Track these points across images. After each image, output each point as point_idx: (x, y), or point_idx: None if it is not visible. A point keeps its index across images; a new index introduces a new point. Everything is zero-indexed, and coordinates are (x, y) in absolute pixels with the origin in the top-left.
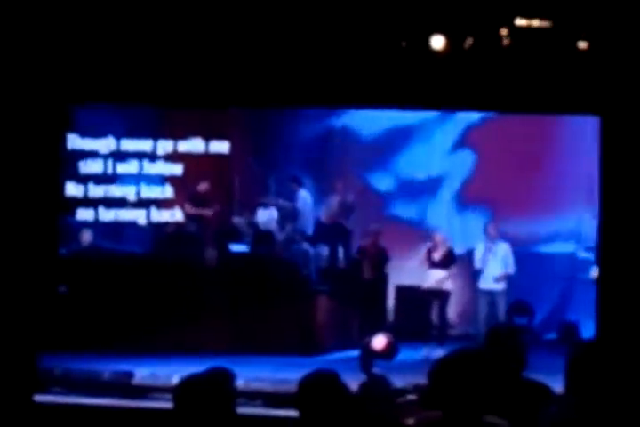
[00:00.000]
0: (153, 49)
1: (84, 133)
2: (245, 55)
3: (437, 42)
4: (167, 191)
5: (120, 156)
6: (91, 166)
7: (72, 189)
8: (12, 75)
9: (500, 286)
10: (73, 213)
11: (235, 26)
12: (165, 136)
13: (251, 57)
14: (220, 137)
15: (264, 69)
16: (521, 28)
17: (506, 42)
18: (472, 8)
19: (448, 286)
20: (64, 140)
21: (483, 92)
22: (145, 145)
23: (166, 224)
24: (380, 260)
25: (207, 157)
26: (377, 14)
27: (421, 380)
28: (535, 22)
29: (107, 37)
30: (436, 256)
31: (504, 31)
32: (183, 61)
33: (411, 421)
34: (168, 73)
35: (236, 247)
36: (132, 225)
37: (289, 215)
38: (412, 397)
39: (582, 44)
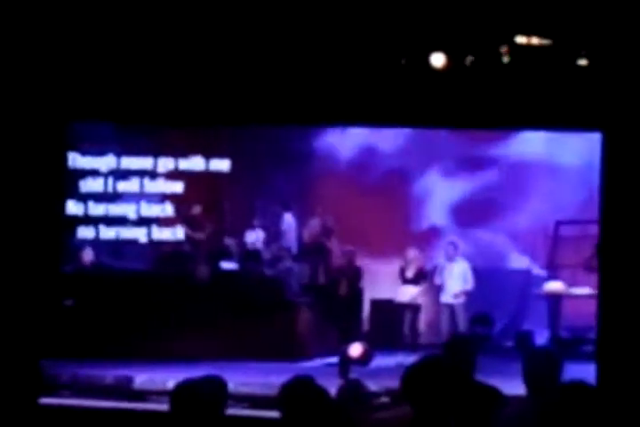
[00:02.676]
0: (150, 67)
1: (85, 152)
2: (243, 72)
3: (437, 59)
4: (167, 209)
5: (120, 174)
6: (91, 185)
7: (73, 208)
8: (13, 92)
9: (459, 301)
10: (74, 232)
11: (231, 43)
12: (166, 154)
13: (248, 74)
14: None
15: (261, 86)
16: (521, 46)
17: (506, 59)
18: (472, 26)
19: (419, 300)
20: (65, 159)
21: (483, 109)
22: (145, 163)
23: (164, 243)
24: (354, 278)
25: (201, 181)
26: (377, 31)
27: (394, 384)
28: (535, 40)
29: (106, 55)
30: (409, 274)
31: (504, 49)
32: (180, 78)
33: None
34: (165, 90)
35: (227, 265)
36: (133, 244)
37: (274, 236)
38: (385, 399)
39: (582, 62)
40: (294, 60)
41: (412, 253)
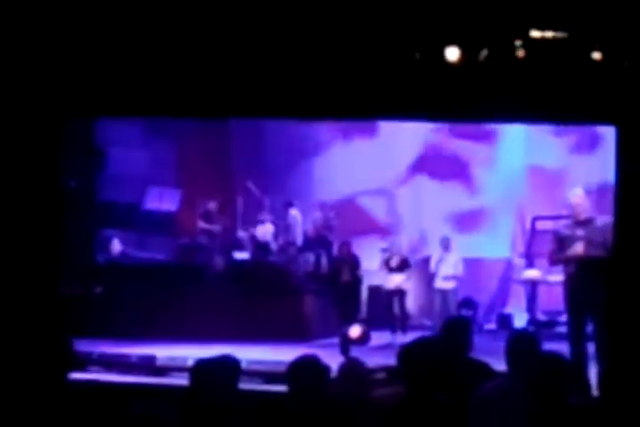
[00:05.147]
0: (153, 61)
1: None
2: (253, 65)
3: (452, 53)
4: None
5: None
6: None
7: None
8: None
9: (451, 286)
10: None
11: (237, 32)
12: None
13: (259, 67)
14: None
15: (273, 81)
16: (535, 40)
17: (520, 53)
18: (487, 20)
19: (405, 286)
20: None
21: (498, 103)
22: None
23: (183, 236)
24: (354, 265)
25: (216, 181)
26: (391, 26)
27: (388, 362)
28: (549, 34)
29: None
30: (393, 263)
31: (518, 43)
32: (189, 71)
33: (379, 393)
34: (180, 83)
35: (239, 255)
36: (155, 237)
37: (282, 229)
38: (381, 375)
39: (596, 55)
40: (310, 54)
41: (395, 244)
